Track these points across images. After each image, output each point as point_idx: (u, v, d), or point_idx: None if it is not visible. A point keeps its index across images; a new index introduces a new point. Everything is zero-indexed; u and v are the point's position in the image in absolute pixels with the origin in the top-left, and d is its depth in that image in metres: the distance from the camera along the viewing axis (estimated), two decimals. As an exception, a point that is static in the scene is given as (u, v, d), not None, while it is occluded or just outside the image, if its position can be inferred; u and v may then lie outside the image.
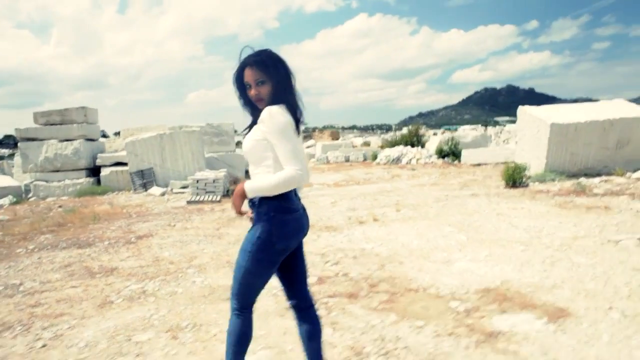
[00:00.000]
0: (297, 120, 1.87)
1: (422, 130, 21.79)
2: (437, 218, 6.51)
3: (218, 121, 15.67)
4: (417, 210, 7.23)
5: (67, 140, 14.13)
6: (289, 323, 3.09)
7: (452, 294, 3.48)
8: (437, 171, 14.48)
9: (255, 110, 1.93)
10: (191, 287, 4.02)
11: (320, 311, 3.27)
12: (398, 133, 24.53)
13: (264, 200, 1.84)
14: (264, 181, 1.79)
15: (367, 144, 26.63)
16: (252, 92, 1.86)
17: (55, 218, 8.90)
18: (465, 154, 15.59)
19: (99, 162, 14.32)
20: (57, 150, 14.00)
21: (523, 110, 10.49)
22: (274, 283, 3.91)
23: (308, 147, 26.58)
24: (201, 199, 10.62)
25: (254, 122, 1.93)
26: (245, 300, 1.97)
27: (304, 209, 1.99)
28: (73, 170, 14.12)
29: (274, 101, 1.83)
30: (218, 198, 10.64)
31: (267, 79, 1.83)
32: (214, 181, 11.27)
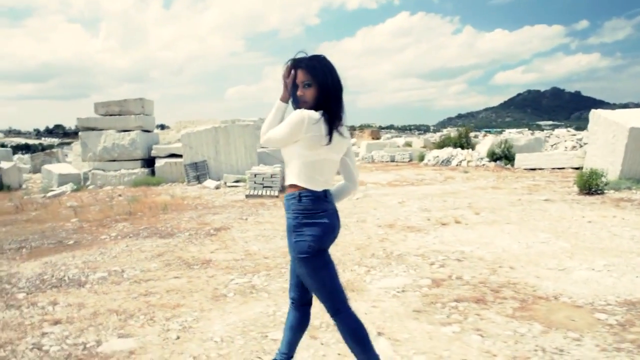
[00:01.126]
0: (332, 130, 1.89)
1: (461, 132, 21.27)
2: (522, 223, 6.25)
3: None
4: (496, 213, 6.97)
5: (125, 130, 14.40)
6: (428, 327, 2.95)
7: (590, 304, 3.26)
8: (491, 174, 14.08)
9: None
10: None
11: (454, 315, 3.11)
12: (438, 134, 24.00)
13: (294, 206, 1.93)
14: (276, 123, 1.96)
15: (409, 144, 26.24)
16: (299, 93, 1.93)
17: (122, 207, 9.01)
18: (519, 157, 15.12)
19: (154, 153, 14.53)
20: (115, 140, 14.28)
21: (597, 114, 10.04)
22: (392, 284, 3.81)
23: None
24: (260, 193, 10.61)
25: None
26: (333, 304, 1.98)
27: (334, 210, 2.02)
28: (129, 160, 14.37)
29: (316, 105, 1.90)
30: (276, 193, 10.61)
31: (313, 83, 1.90)
32: (271, 176, 11.23)
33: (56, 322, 3.26)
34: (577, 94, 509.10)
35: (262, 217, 7.46)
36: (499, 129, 37.99)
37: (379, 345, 2.70)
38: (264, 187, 11.11)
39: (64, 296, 3.82)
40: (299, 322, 2.18)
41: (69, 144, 30.88)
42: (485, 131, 41.81)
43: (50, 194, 12.12)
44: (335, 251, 4.99)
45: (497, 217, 6.67)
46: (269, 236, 5.89)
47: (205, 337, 2.93)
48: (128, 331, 3.07)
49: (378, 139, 30.23)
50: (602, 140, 9.81)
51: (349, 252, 4.92)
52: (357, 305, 3.39)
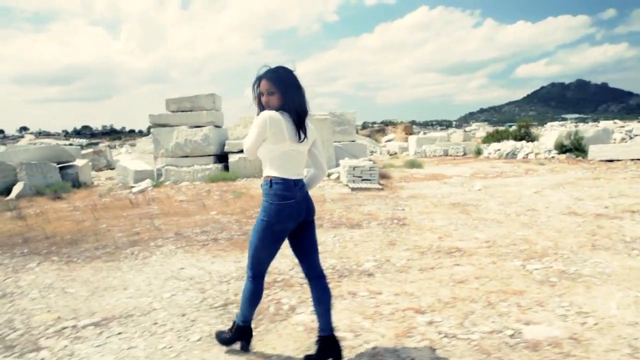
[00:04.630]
0: (300, 127, 2.21)
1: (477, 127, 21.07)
2: None
3: (340, 110, 15.44)
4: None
5: (197, 126, 14.10)
6: None
7: None
8: (572, 166, 13.90)
9: None
10: (615, 267, 3.72)
11: None
12: (461, 130, 23.75)
13: (266, 190, 2.24)
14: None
15: (445, 139, 26.08)
16: (264, 100, 2.24)
17: (237, 201, 8.75)
18: (593, 149, 14.96)
19: (227, 148, 14.25)
20: (187, 136, 13.99)
21: None
22: None
23: (388, 140, 26.18)
24: (364, 186, 10.40)
25: None
26: (256, 270, 2.37)
27: (304, 197, 2.32)
28: (202, 156, 14.09)
29: (280, 108, 2.20)
30: (378, 185, 10.41)
31: (276, 91, 2.21)
32: (370, 169, 11.04)
33: (418, 311, 3.02)
34: (604, 86, 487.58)
35: (414, 207, 7.22)
36: (522, 124, 37.64)
37: None
38: (362, 180, 10.91)
39: (372, 285, 3.58)
40: (317, 295, 2.45)
41: (96, 144, 30.49)
42: (507, 126, 41.64)
43: (135, 189, 11.83)
44: (569, 237, 4.76)
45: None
46: (469, 225, 5.67)
47: (625, 321, 2.71)
48: (521, 319, 2.84)
49: (411, 134, 30.03)
50: None
51: (597, 239, 4.71)
52: None
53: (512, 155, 16.81)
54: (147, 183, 12.67)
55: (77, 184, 12.75)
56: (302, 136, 2.22)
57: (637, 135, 19.72)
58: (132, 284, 3.86)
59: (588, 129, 16.97)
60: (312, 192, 7.72)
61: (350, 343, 2.61)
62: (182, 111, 14.28)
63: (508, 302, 3.10)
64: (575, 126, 23.68)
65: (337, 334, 2.73)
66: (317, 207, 7.72)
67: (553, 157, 15.92)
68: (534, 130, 19.28)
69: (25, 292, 3.75)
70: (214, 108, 14.39)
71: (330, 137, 14.03)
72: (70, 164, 13.28)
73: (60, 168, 12.69)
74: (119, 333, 2.81)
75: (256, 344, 2.64)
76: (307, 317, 3.00)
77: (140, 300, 3.43)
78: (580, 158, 15.51)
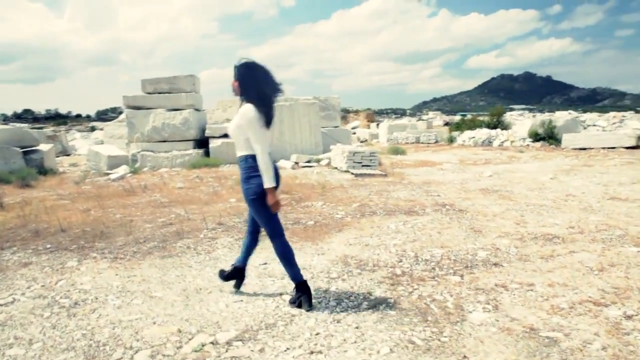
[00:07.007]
0: (268, 115, 2.65)
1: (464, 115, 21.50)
2: None
3: (324, 95, 14.94)
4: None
5: (175, 109, 13.10)
6: None
7: None
8: (552, 154, 14.26)
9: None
10: None
11: None
12: (415, 118, 24.01)
13: (254, 170, 2.68)
14: (263, 172, 2.62)
15: (413, 127, 26.33)
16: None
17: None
18: (567, 137, 15.49)
19: (208, 133, 13.35)
20: (165, 120, 12.96)
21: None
22: None
23: (353, 127, 26.01)
24: (365, 172, 10.08)
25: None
26: (272, 231, 2.81)
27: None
28: (181, 141, 13.12)
29: (241, 95, 2.72)
30: (379, 171, 10.14)
31: (236, 80, 2.72)
32: (370, 154, 10.73)
33: (599, 304, 2.71)
34: (548, 79, 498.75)
35: (446, 193, 6.97)
36: (474, 113, 38.98)
37: None
38: (362, 165, 10.56)
39: (511, 276, 3.23)
40: (253, 244, 3.10)
41: (40, 128, 27.99)
42: (461, 115, 42.88)
43: (112, 176, 10.78)
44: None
45: None
46: (528, 211, 5.48)
47: None
48: None
49: (373, 121, 30.04)
50: None
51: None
52: None
53: (487, 142, 17.10)
54: (124, 170, 11.60)
55: (43, 171, 11.41)
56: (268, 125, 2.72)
57: (590, 125, 20.80)
58: (223, 284, 3.27)
59: (558, 119, 17.59)
60: (316, 179, 7.20)
61: (570, 344, 2.24)
62: (159, 93, 13.19)
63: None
64: (533, 116, 24.59)
65: (543, 334, 2.36)
66: (341, 193, 7.35)
67: (528, 145, 16.36)
68: (506, 119, 19.77)
69: (99, 298, 3.05)
70: (194, 90, 13.43)
71: (318, 122, 13.54)
72: (35, 148, 11.89)
73: (24, 153, 11.32)
74: (287, 349, 2.26)
75: (465, 352, 2.20)
76: (485, 315, 2.60)
77: (258, 304, 2.87)
78: (553, 146, 16.04)
